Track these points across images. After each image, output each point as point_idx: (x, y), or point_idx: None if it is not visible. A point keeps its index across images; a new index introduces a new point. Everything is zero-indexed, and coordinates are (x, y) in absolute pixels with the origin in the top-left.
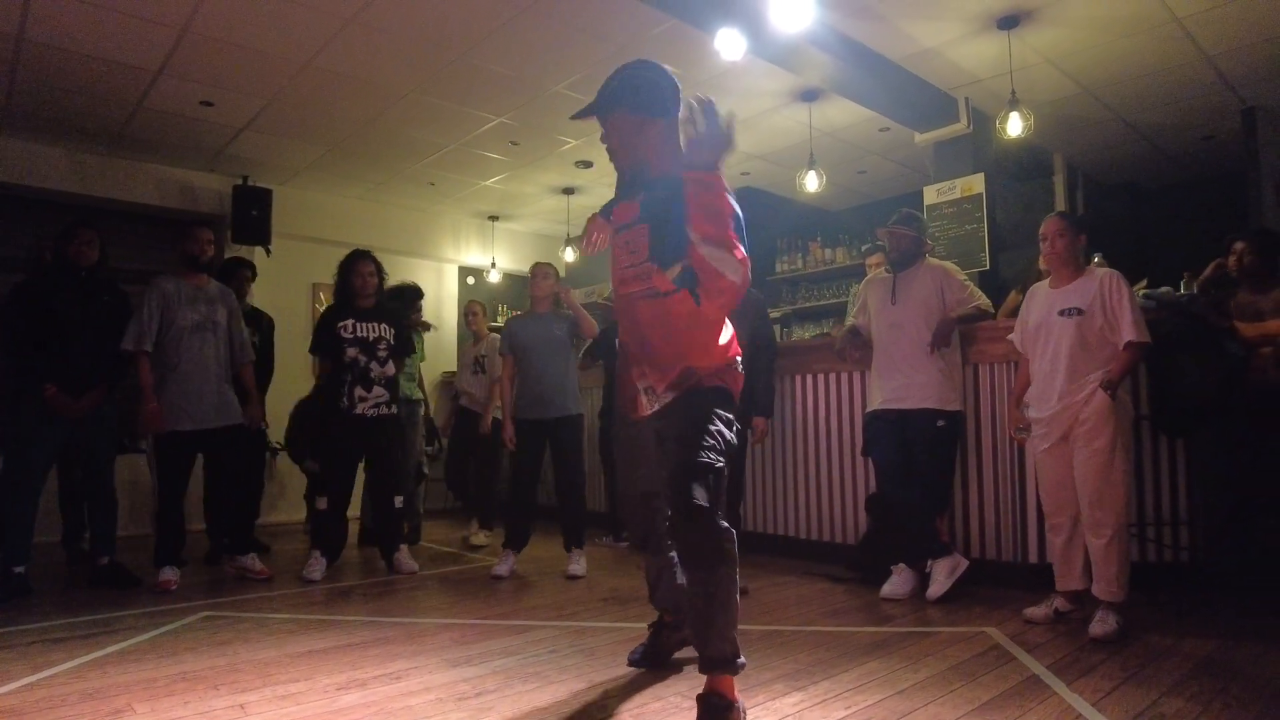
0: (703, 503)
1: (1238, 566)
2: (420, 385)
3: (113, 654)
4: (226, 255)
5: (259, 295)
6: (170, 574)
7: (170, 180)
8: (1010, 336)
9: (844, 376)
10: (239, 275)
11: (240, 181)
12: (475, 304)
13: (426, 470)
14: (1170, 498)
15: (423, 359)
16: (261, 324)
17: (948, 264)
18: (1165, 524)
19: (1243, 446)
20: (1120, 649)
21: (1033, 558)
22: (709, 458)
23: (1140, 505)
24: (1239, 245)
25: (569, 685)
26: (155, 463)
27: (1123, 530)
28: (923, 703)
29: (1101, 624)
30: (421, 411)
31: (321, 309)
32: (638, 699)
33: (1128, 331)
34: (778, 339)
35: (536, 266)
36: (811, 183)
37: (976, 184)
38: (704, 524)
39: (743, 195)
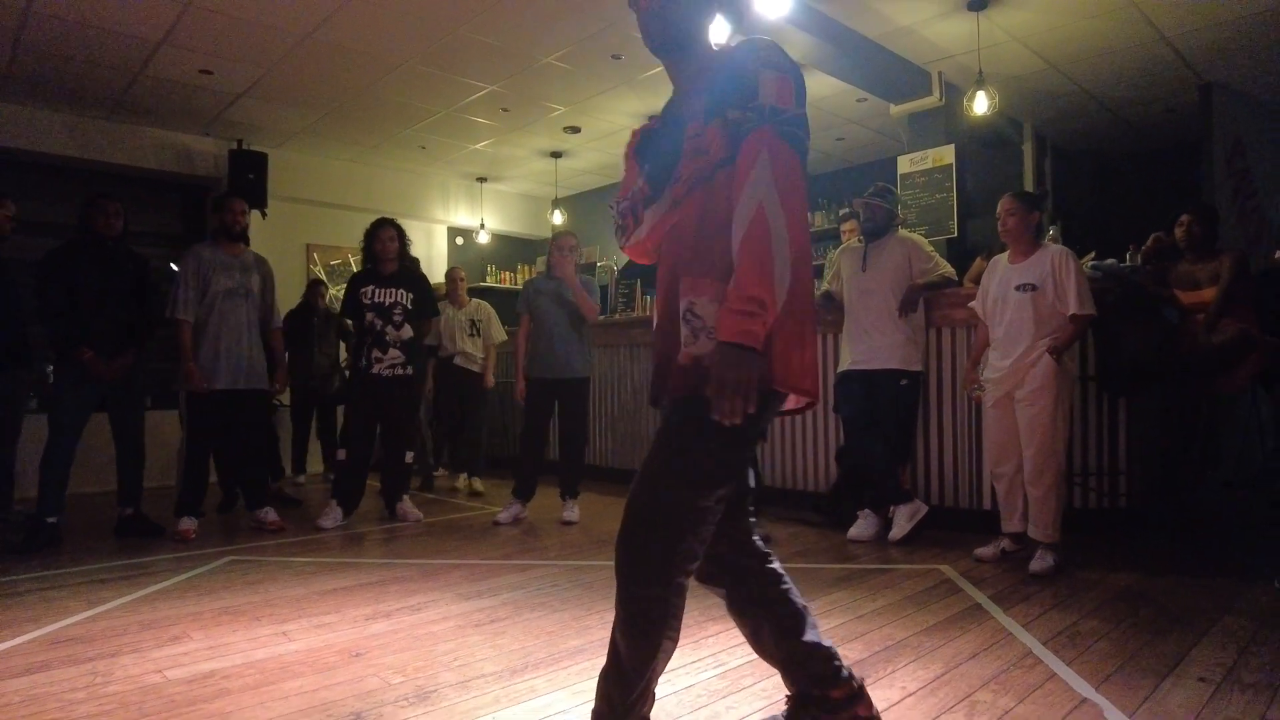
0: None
1: (1166, 511)
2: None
3: (156, 592)
4: None
5: None
6: (189, 523)
7: (168, 144)
8: (971, 304)
9: (818, 339)
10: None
11: (236, 145)
12: (458, 270)
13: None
14: (1110, 450)
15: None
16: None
17: (916, 236)
18: (1106, 474)
19: (1175, 405)
20: (1054, 582)
21: (986, 504)
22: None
23: (1083, 457)
24: (1185, 217)
25: (571, 612)
26: (187, 419)
27: (1059, 482)
28: (878, 625)
29: (1040, 561)
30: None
31: (316, 270)
32: None
33: (1074, 305)
34: None
35: (562, 237)
36: None
37: (947, 155)
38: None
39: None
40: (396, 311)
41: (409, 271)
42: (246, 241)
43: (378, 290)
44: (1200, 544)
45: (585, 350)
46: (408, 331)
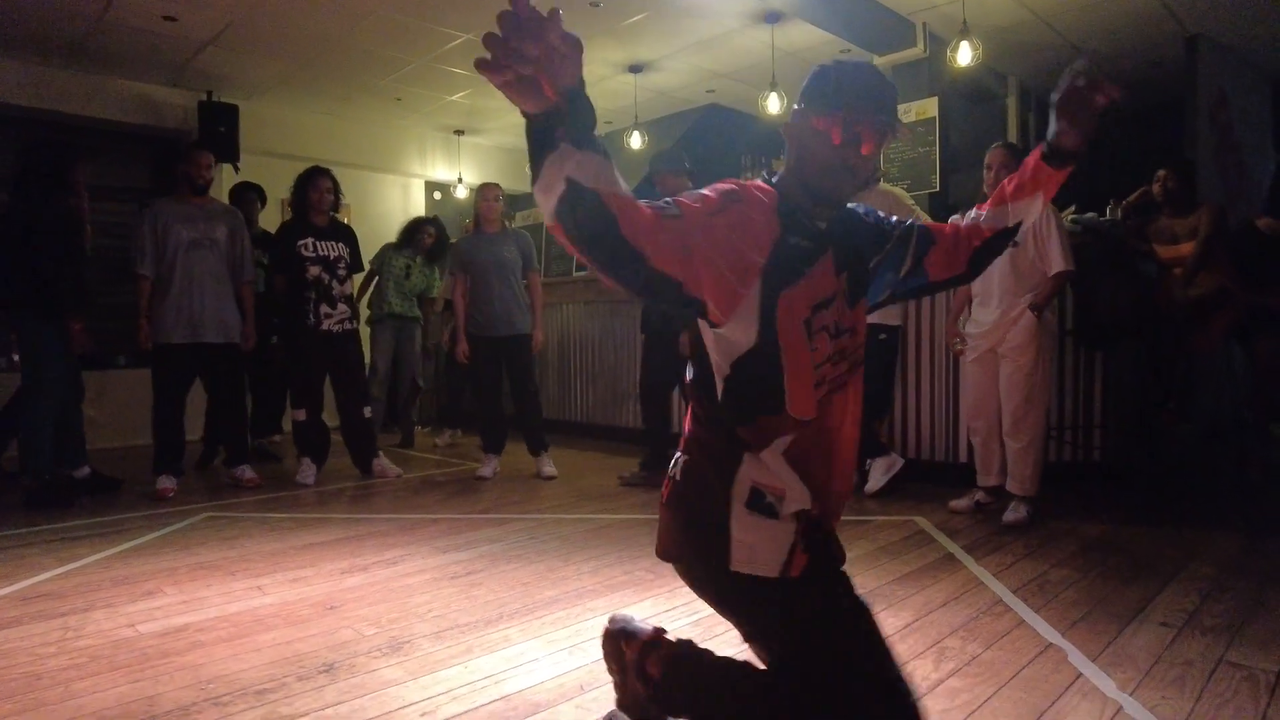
0: None
1: (1139, 464)
2: (418, 305)
3: (130, 549)
4: None
5: None
6: (168, 482)
7: (132, 95)
8: None
9: None
10: (246, 199)
11: (205, 97)
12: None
13: (422, 383)
14: (1086, 404)
15: (424, 288)
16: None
17: (897, 189)
18: (1081, 427)
19: (1151, 359)
20: (1026, 533)
21: (962, 457)
22: None
23: (1060, 410)
24: (1163, 173)
25: (548, 563)
26: (152, 376)
27: (1040, 436)
28: (852, 575)
29: (1014, 513)
30: (419, 329)
31: None
32: (606, 573)
33: (1054, 261)
34: None
35: (484, 187)
36: (774, 105)
37: (930, 108)
38: None
39: (708, 112)
40: (340, 266)
41: (341, 224)
42: (205, 193)
43: (319, 243)
44: (1171, 495)
45: (525, 306)
46: (350, 286)
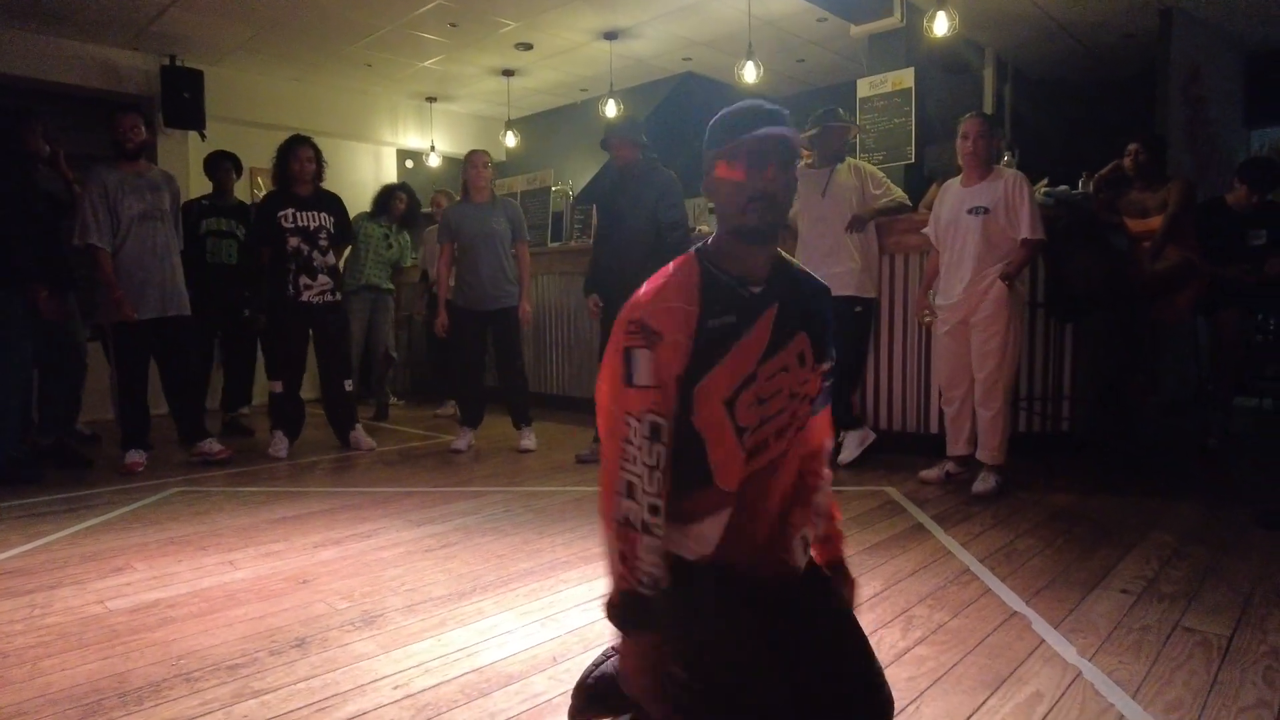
0: None
1: (1106, 435)
2: (392, 277)
3: (99, 524)
4: (160, 140)
5: (194, 181)
6: (137, 456)
7: (91, 58)
8: (924, 230)
9: None
10: (221, 168)
11: (168, 61)
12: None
13: (394, 354)
14: (1056, 375)
15: (397, 258)
16: (248, 218)
17: (867, 164)
18: (1050, 398)
19: (1119, 331)
20: (994, 503)
21: (933, 428)
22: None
23: (1030, 381)
24: (1133, 146)
25: (523, 535)
26: (114, 351)
27: (1008, 406)
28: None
29: (983, 483)
30: (392, 300)
31: (260, 194)
32: (581, 545)
33: (1026, 230)
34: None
35: (473, 154)
36: (750, 74)
37: (907, 79)
38: None
39: (684, 81)
40: (322, 236)
41: (327, 193)
42: (146, 158)
43: (299, 213)
44: (1136, 466)
45: (513, 278)
46: (333, 258)
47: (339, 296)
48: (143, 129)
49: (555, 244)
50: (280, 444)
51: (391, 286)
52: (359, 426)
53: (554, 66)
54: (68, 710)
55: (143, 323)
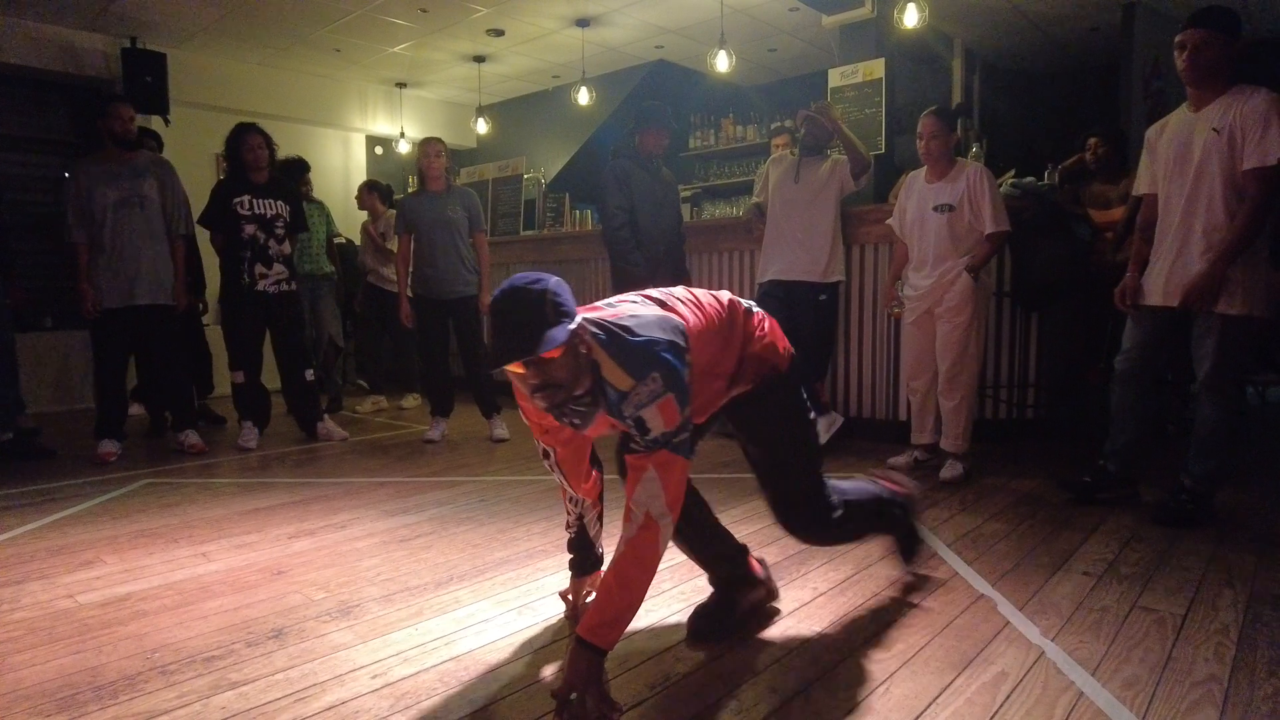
0: None
1: (1071, 421)
2: (332, 259)
3: (66, 517)
4: None
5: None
6: (110, 446)
7: (47, 39)
8: (889, 221)
9: (747, 255)
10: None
11: (129, 43)
12: (363, 185)
13: (340, 343)
14: (1021, 364)
15: (324, 235)
16: None
17: (844, 157)
18: (1016, 386)
19: (1082, 321)
20: (961, 489)
21: (902, 415)
22: None
23: (995, 369)
24: (1092, 140)
25: (498, 525)
26: (91, 340)
27: (971, 395)
28: None
29: (950, 469)
30: (331, 286)
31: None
32: (556, 534)
33: (989, 224)
34: (688, 217)
35: (426, 143)
36: (722, 63)
37: (877, 69)
38: None
39: (656, 69)
40: (279, 224)
41: (281, 182)
42: (135, 146)
43: (256, 201)
44: (1098, 451)
45: (472, 266)
46: (289, 246)
47: (295, 286)
48: (135, 120)
49: (529, 232)
50: (250, 434)
51: (329, 271)
52: (327, 418)
53: (526, 53)
54: (42, 704)
55: (117, 311)
